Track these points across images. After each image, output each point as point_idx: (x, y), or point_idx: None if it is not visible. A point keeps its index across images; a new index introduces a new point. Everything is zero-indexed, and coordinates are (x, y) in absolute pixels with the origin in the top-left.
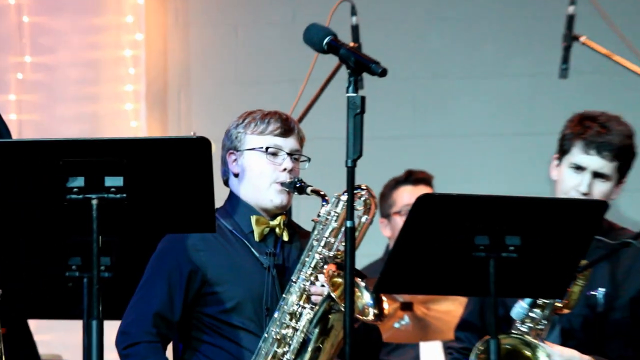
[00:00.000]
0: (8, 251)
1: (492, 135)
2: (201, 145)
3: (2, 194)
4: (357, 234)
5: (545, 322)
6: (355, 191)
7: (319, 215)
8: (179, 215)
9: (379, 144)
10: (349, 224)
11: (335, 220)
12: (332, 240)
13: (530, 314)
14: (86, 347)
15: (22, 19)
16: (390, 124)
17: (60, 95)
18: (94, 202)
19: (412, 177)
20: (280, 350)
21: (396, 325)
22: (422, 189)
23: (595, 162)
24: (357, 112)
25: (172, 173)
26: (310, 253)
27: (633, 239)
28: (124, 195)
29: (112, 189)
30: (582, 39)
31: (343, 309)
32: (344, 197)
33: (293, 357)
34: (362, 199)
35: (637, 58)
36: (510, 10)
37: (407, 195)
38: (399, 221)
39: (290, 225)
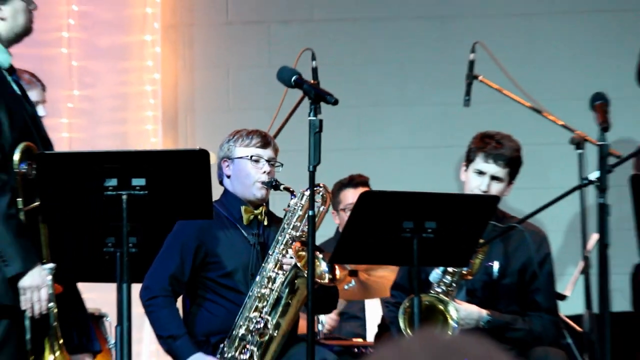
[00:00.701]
0: (64, 233)
1: (416, 147)
2: (202, 155)
3: (60, 191)
4: (316, 219)
5: (455, 285)
6: (315, 188)
7: (288, 206)
8: (186, 206)
9: (331, 155)
10: (310, 212)
11: (301, 210)
12: (298, 224)
13: (444, 279)
14: (119, 302)
15: (71, 63)
16: (341, 140)
17: (99, 119)
18: (124, 197)
19: (354, 181)
20: (260, 305)
21: (345, 287)
22: (362, 190)
23: (492, 168)
24: (316, 131)
25: (181, 175)
26: (282, 233)
27: (518, 224)
28: (146, 192)
29: (137, 187)
30: (480, 77)
31: (306, 275)
32: (307, 193)
33: (269, 309)
34: (320, 194)
35: (519, 91)
36: (430, 56)
37: (350, 196)
38: (344, 216)
39: (268, 213)
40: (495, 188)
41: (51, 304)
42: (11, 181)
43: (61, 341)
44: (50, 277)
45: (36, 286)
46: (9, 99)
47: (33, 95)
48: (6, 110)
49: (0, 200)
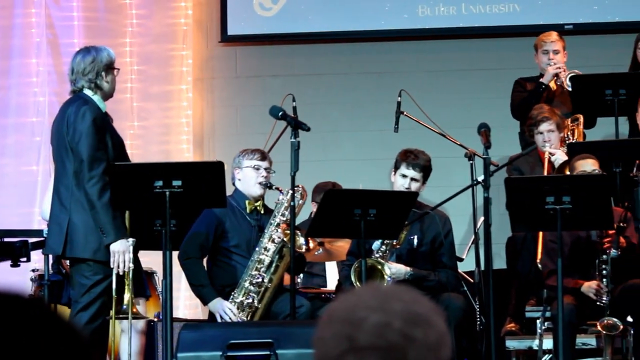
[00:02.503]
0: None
1: (363, 160)
2: (219, 165)
3: (129, 190)
4: (296, 209)
5: (388, 252)
6: (295, 188)
7: (278, 200)
8: (208, 199)
9: (305, 165)
10: (292, 204)
11: (286, 202)
12: (285, 212)
13: (381, 248)
14: (164, 263)
15: (132, 104)
16: (312, 154)
17: (150, 141)
18: (167, 193)
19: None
20: (258, 266)
21: (315, 253)
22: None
23: (412, 173)
24: (295, 149)
25: (206, 178)
26: (274, 218)
27: (430, 210)
28: (182, 189)
29: (176, 187)
30: (404, 112)
31: (289, 246)
32: (290, 191)
33: (265, 269)
34: (299, 192)
35: (430, 121)
36: (371, 97)
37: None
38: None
39: (264, 205)
40: (414, 186)
41: (131, 265)
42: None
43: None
44: (132, 247)
45: (121, 251)
46: (110, 130)
47: None
48: (111, 136)
49: (105, 194)
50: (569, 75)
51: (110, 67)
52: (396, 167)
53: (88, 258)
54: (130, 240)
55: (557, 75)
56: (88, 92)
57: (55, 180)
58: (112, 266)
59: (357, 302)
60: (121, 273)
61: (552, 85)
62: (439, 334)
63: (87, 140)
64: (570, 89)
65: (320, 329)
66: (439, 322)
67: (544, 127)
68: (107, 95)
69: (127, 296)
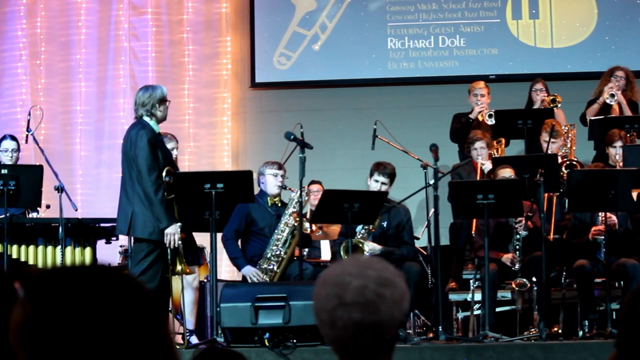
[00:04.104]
0: (187, 209)
1: (350, 169)
2: (248, 174)
3: (184, 190)
4: (302, 203)
5: (366, 234)
6: (302, 188)
7: (290, 197)
8: (241, 196)
9: (308, 173)
10: (300, 200)
11: (296, 199)
12: (295, 205)
13: (362, 231)
14: (211, 241)
15: (189, 131)
16: (313, 165)
17: (202, 156)
18: (213, 192)
19: (312, 183)
20: (277, 243)
21: (317, 234)
22: (318, 186)
23: (382, 179)
24: (302, 161)
25: (240, 181)
26: (287, 210)
27: (397, 204)
28: (223, 190)
29: (219, 187)
30: (379, 136)
31: (298, 229)
32: (299, 191)
33: (281, 245)
34: (305, 191)
35: (397, 142)
36: (355, 125)
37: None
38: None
39: (281, 201)
40: (384, 188)
41: (179, 242)
42: (162, 184)
43: (184, 259)
44: (179, 229)
45: (172, 233)
46: (161, 145)
47: (170, 145)
48: (161, 151)
49: (159, 192)
50: (487, 113)
51: (163, 100)
52: (371, 174)
53: (144, 238)
54: (178, 224)
55: (481, 112)
56: (146, 118)
57: (122, 182)
58: (166, 243)
59: (343, 270)
60: (172, 248)
61: (479, 118)
62: (401, 292)
63: (144, 154)
64: (489, 123)
65: (317, 290)
66: (401, 284)
67: (477, 144)
68: (160, 120)
69: (179, 266)
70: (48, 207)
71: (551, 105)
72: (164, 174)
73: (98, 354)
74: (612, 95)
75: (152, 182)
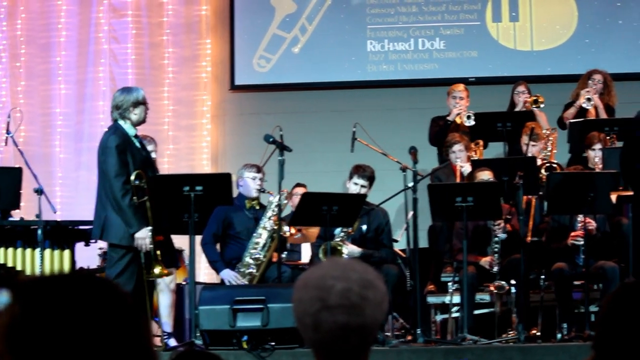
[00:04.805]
0: (164, 211)
1: (329, 171)
2: (227, 176)
3: (162, 193)
4: (281, 206)
5: (346, 236)
6: (280, 192)
7: (269, 200)
8: (219, 199)
9: (288, 175)
10: (279, 203)
11: (275, 202)
12: (274, 208)
13: (340, 234)
14: (190, 244)
15: (169, 133)
16: (292, 167)
17: (181, 159)
18: (192, 195)
19: (297, 185)
20: (256, 246)
21: (296, 236)
22: (303, 189)
23: (362, 182)
24: (281, 164)
25: (218, 184)
26: (266, 213)
27: (376, 207)
28: (202, 192)
29: (198, 189)
30: (358, 139)
31: (277, 232)
32: (277, 195)
33: (260, 248)
34: (284, 194)
35: (376, 145)
36: (335, 127)
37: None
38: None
39: (259, 203)
40: (363, 191)
41: (151, 246)
42: (130, 189)
43: (160, 261)
44: (150, 233)
45: (142, 237)
46: (133, 149)
47: (150, 147)
48: (131, 155)
49: (127, 197)
50: (466, 115)
51: (138, 103)
52: (350, 177)
53: (115, 243)
54: (149, 228)
55: (459, 114)
56: (120, 121)
57: (98, 186)
58: (137, 248)
59: (325, 273)
60: (143, 252)
61: (457, 120)
62: (382, 293)
63: (111, 159)
64: (467, 125)
65: (298, 293)
66: (382, 285)
67: (456, 147)
68: (137, 123)
69: (156, 269)
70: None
71: (533, 106)
72: (133, 177)
73: (81, 357)
74: (589, 100)
75: (120, 187)
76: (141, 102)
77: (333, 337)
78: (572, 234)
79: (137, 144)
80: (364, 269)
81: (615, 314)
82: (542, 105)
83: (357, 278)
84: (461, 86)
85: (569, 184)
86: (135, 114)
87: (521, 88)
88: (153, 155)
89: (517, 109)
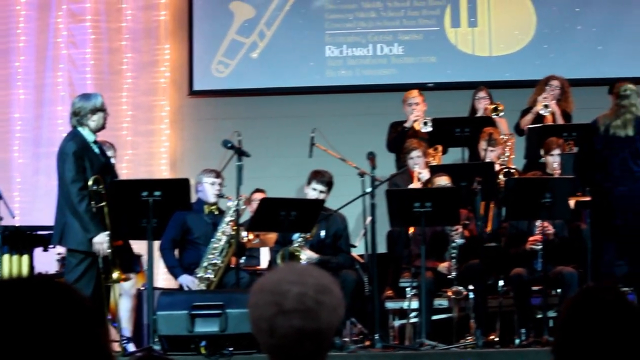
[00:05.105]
0: (123, 216)
1: (286, 177)
2: (185, 181)
3: (121, 198)
4: (239, 211)
5: (304, 242)
6: (239, 197)
7: (227, 205)
8: (178, 204)
9: (247, 180)
10: (237, 208)
11: (233, 207)
12: (233, 214)
13: (299, 239)
14: (148, 249)
15: (127, 138)
16: (251, 172)
17: (140, 164)
18: (150, 200)
19: (256, 191)
20: (214, 251)
21: (254, 242)
22: (262, 195)
23: (320, 187)
24: (239, 169)
25: (177, 189)
26: (224, 218)
27: (334, 212)
28: (161, 198)
29: (156, 195)
30: (317, 144)
31: (235, 237)
32: (235, 200)
33: (218, 254)
34: (242, 200)
35: (334, 150)
36: (293, 133)
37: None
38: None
39: (218, 208)
40: (321, 196)
41: (109, 250)
42: (87, 194)
43: (118, 266)
44: (107, 238)
45: (100, 242)
46: (91, 155)
47: (110, 152)
48: (90, 161)
49: (83, 203)
50: (422, 121)
51: (96, 110)
52: (309, 182)
53: (74, 248)
54: (106, 233)
55: (416, 120)
56: (79, 128)
57: (57, 192)
58: (95, 253)
59: (281, 278)
60: (101, 256)
61: (415, 126)
62: (338, 299)
63: (68, 165)
64: (424, 130)
65: (254, 298)
66: (337, 290)
67: (414, 154)
68: (96, 130)
69: (115, 274)
70: None
71: (493, 114)
72: (90, 182)
73: None
74: (546, 106)
75: (76, 193)
76: (99, 109)
77: (289, 342)
78: (531, 238)
79: (97, 150)
80: (319, 274)
81: (575, 319)
82: (501, 114)
83: (312, 283)
84: (415, 92)
85: (527, 189)
86: (94, 121)
87: (482, 94)
88: (112, 160)
89: (477, 115)
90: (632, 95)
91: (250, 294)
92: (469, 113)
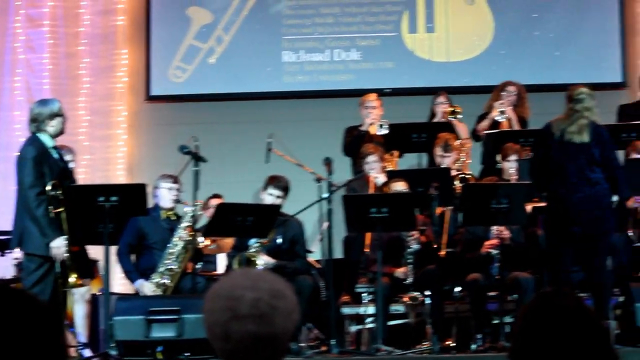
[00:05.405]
0: (79, 221)
1: (244, 181)
2: (142, 187)
3: (78, 202)
4: (196, 217)
5: (260, 247)
6: (196, 202)
7: (184, 211)
8: (135, 209)
9: (204, 186)
10: (193, 214)
11: (190, 212)
12: (189, 219)
13: (255, 245)
14: (105, 254)
15: (84, 143)
16: (209, 178)
17: (97, 169)
18: (107, 205)
19: (214, 196)
20: (170, 257)
21: (210, 247)
22: (219, 200)
23: (276, 192)
24: (196, 175)
25: (133, 194)
26: (182, 223)
27: (290, 217)
28: (117, 203)
29: (113, 200)
30: (274, 149)
31: (192, 243)
32: (192, 205)
33: (174, 259)
34: (199, 205)
35: (291, 156)
36: (251, 139)
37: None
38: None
39: (175, 213)
40: (278, 201)
41: (66, 255)
42: (45, 199)
43: (75, 272)
44: (65, 242)
45: (58, 247)
46: (50, 160)
47: (69, 157)
48: (48, 166)
49: (41, 208)
50: (379, 124)
51: (54, 116)
52: (265, 188)
53: (31, 252)
54: (63, 237)
55: (372, 124)
56: (38, 133)
57: (16, 197)
58: (53, 257)
59: (235, 283)
60: (59, 261)
61: (371, 130)
62: (292, 303)
63: (27, 170)
64: (379, 134)
65: (208, 303)
66: (292, 295)
67: (370, 159)
68: (55, 135)
69: (71, 279)
70: None
71: (450, 117)
72: (49, 187)
73: None
74: (502, 112)
75: (34, 198)
76: (57, 114)
77: (243, 347)
78: (487, 243)
79: (56, 155)
80: (273, 279)
81: (532, 324)
82: (459, 116)
83: (267, 288)
84: (373, 96)
85: (483, 195)
86: (52, 126)
87: (441, 99)
88: (71, 165)
89: (436, 120)
90: (586, 99)
91: (205, 299)
92: (428, 118)
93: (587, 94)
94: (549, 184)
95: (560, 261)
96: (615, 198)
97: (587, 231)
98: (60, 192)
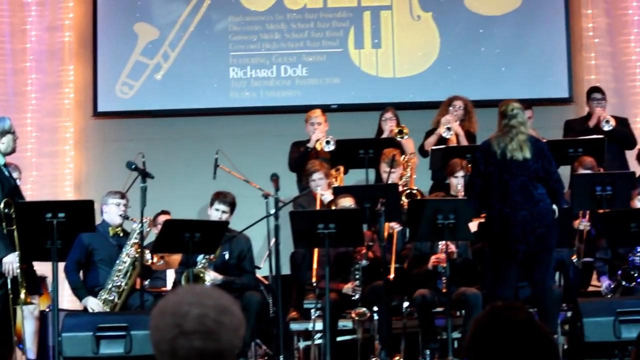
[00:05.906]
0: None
1: (191, 198)
2: (90, 203)
3: (26, 219)
4: (144, 234)
5: (208, 263)
6: (143, 219)
7: (132, 227)
8: (82, 226)
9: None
10: (141, 231)
11: (138, 229)
12: (137, 236)
13: (202, 260)
14: (53, 271)
15: (32, 160)
16: (155, 193)
17: (45, 186)
18: (55, 221)
19: (162, 212)
20: (118, 274)
21: (158, 263)
22: (167, 217)
23: (223, 207)
24: (143, 191)
25: (81, 211)
26: (129, 241)
27: (238, 233)
28: (65, 219)
29: (61, 217)
30: (221, 165)
31: (139, 260)
32: (139, 222)
33: (122, 276)
34: (147, 222)
35: (238, 172)
36: (198, 155)
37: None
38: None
39: (123, 230)
40: (224, 217)
41: (18, 270)
42: None
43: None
44: (17, 258)
45: (10, 262)
46: (2, 178)
47: (15, 174)
48: (1, 184)
49: None
50: (325, 140)
51: (5, 133)
52: (211, 204)
53: None
54: (16, 253)
55: (318, 140)
56: None
57: None
58: (4, 273)
59: (180, 299)
60: (11, 277)
61: (317, 146)
62: (238, 319)
63: None
64: (326, 150)
65: (155, 320)
66: (238, 311)
67: (315, 176)
68: (6, 153)
69: (22, 294)
70: None
71: (398, 137)
72: (2, 205)
73: None
74: (449, 129)
75: None
76: (8, 131)
77: None
78: (434, 257)
79: (7, 173)
80: (219, 294)
81: (483, 338)
82: (406, 137)
83: (212, 304)
84: (318, 111)
85: (430, 211)
86: (3, 143)
87: (388, 115)
88: (17, 182)
89: (384, 136)
90: (519, 113)
91: (151, 316)
92: (376, 134)
93: (519, 108)
94: (491, 202)
95: (504, 278)
96: (554, 207)
97: (531, 249)
98: (12, 210)
